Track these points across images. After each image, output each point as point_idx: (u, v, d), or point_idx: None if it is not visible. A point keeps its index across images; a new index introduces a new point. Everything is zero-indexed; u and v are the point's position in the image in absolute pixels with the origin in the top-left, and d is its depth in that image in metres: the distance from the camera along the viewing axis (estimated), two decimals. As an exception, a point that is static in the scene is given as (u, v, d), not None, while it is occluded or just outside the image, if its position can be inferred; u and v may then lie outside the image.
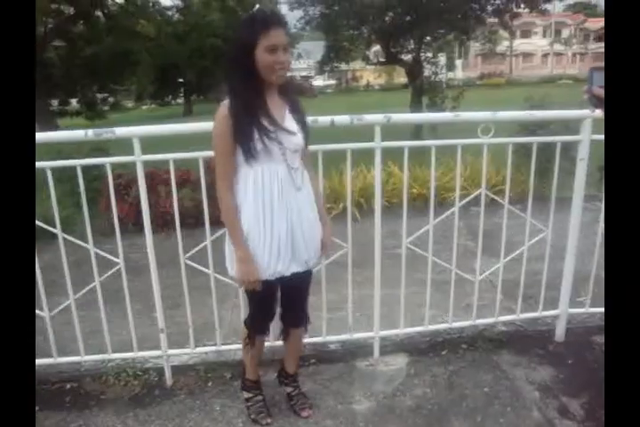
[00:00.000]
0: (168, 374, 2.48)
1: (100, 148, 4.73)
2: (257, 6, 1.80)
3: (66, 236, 2.32)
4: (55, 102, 19.64)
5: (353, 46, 16.23)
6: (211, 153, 2.23)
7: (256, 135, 1.73)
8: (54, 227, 2.29)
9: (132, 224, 4.75)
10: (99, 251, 2.32)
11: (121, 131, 2.16)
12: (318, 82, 46.16)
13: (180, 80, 31.87)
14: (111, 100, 20.22)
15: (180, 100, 38.11)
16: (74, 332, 2.43)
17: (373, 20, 14.89)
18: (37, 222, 2.29)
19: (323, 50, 16.47)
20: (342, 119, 2.17)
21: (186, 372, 2.55)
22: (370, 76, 44.82)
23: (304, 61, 47.10)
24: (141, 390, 2.46)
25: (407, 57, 15.54)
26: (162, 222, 4.69)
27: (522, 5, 14.17)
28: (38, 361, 2.49)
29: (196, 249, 2.36)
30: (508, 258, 2.61)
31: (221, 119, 1.76)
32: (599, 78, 1.33)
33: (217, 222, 2.03)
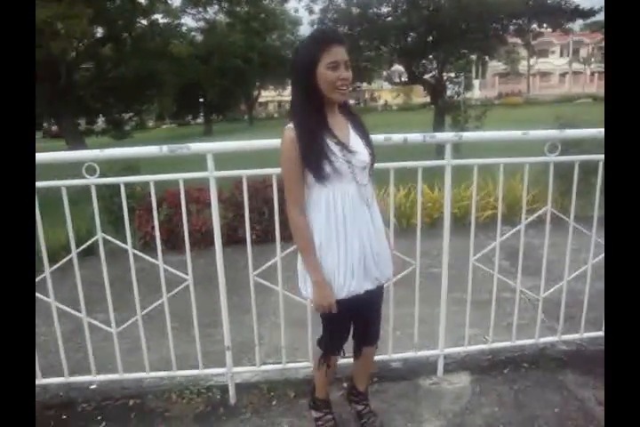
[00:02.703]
0: (232, 392, 2.47)
1: (130, 166, 4.79)
2: (316, 26, 1.86)
3: (136, 251, 2.35)
4: (82, 122, 20.16)
5: (375, 66, 16.38)
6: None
7: (324, 158, 1.72)
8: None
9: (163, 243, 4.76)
10: (168, 268, 2.35)
11: (195, 147, 2.20)
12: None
13: (201, 100, 32.46)
14: (135, 119, 20.62)
15: (200, 120, 38.74)
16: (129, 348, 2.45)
17: (396, 41, 15.08)
18: (107, 237, 2.34)
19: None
20: (414, 137, 2.18)
21: (249, 390, 2.54)
22: (388, 95, 45.12)
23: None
24: (205, 407, 2.45)
25: (429, 76, 15.65)
26: (193, 241, 4.68)
27: (544, 25, 14.26)
28: (103, 377, 2.51)
29: (264, 266, 2.39)
30: (572, 276, 2.59)
31: (288, 144, 1.74)
32: None
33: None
